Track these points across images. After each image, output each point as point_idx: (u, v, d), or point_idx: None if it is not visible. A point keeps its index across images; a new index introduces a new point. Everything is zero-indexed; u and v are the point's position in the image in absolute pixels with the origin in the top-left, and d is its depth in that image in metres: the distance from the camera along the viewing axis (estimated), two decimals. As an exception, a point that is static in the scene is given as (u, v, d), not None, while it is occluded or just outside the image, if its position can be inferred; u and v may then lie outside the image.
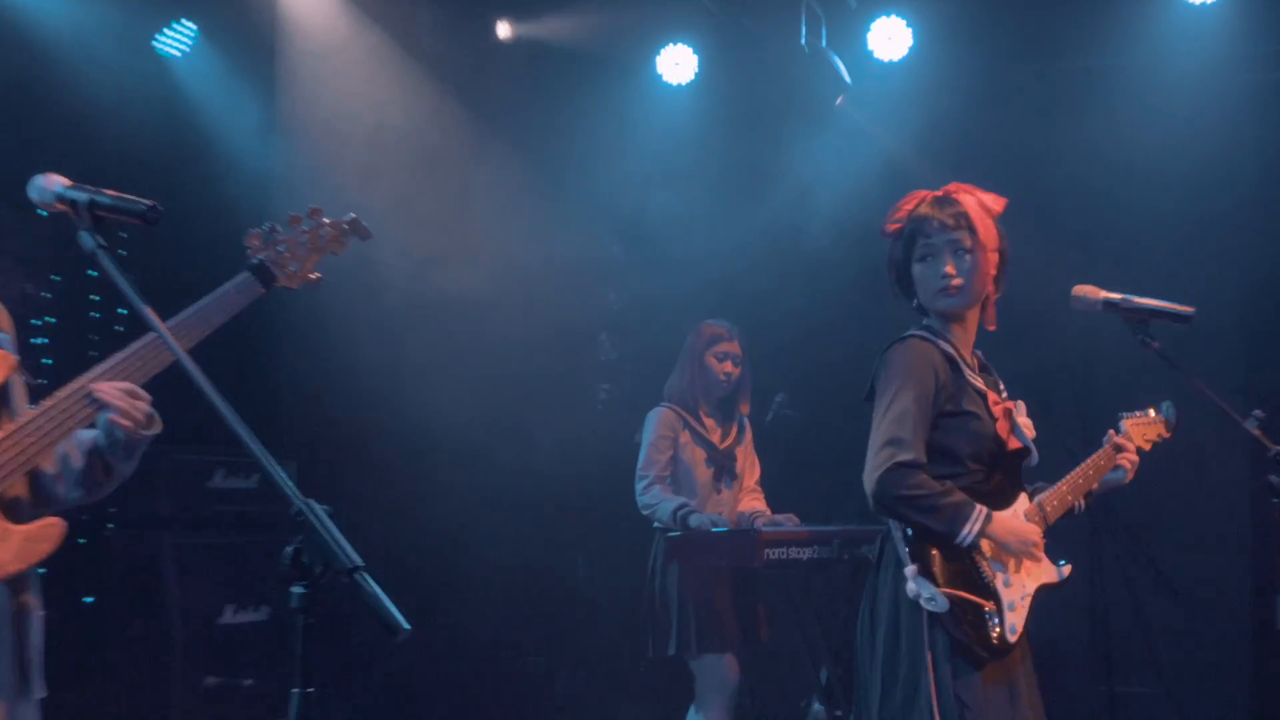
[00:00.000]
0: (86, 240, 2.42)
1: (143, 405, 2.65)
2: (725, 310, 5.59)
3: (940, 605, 3.11)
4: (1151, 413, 3.68)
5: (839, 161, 6.60)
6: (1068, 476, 3.48)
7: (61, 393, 2.60)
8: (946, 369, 3.31)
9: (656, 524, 5.18)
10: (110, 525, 5.67)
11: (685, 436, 5.25)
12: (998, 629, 3.18)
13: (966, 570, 3.19)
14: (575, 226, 6.72)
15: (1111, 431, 3.58)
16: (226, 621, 5.58)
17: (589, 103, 6.75)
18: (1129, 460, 3.54)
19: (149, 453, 2.78)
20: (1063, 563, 3.41)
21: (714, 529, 4.91)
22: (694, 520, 4.95)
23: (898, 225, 3.46)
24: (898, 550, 3.24)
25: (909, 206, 3.45)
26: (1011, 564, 3.28)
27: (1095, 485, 3.53)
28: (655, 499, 5.11)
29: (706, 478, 5.24)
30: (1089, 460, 3.52)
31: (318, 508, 2.11)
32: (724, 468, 5.28)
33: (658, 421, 5.26)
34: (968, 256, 3.35)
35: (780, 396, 5.91)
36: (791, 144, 6.72)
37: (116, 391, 2.61)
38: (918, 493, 3.15)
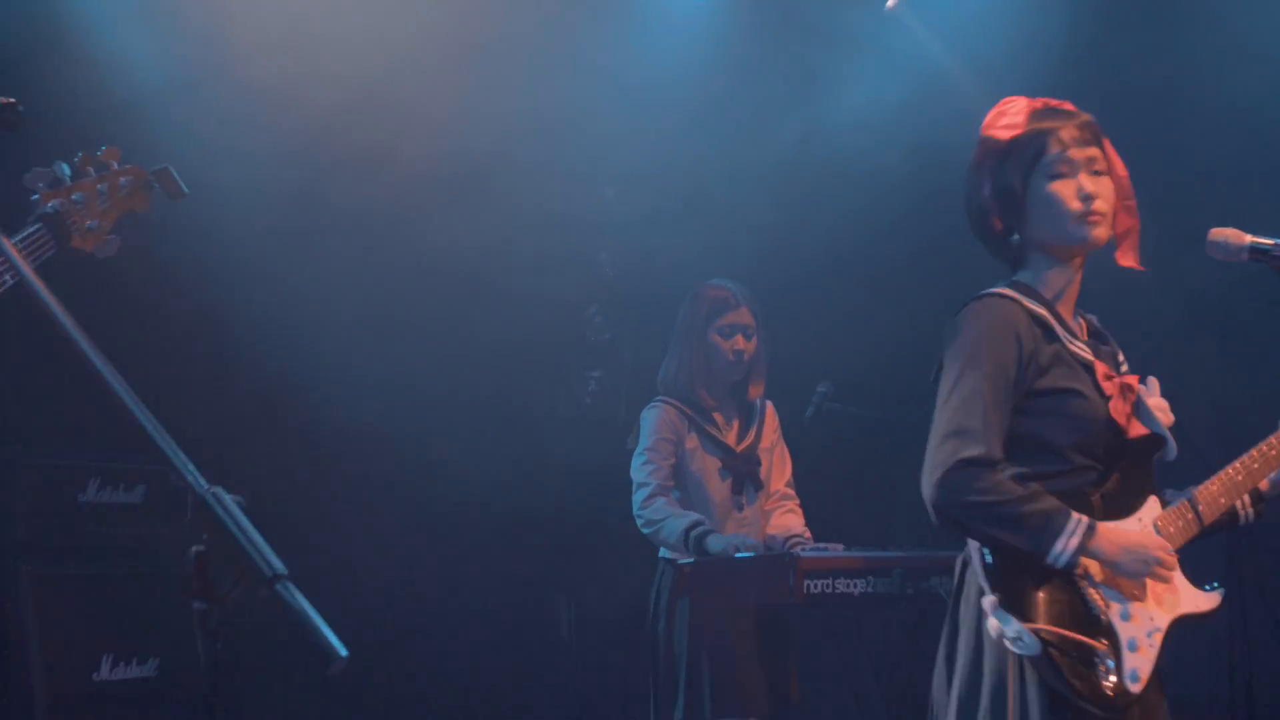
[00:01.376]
0: None
1: None
2: (750, 275, 5.56)
3: (1030, 648, 3.04)
4: None
5: (889, 83, 6.59)
6: (1221, 472, 3.41)
7: None
8: (1035, 334, 3.28)
9: (662, 552, 5.14)
10: (-53, 554, 5.63)
11: (692, 441, 5.21)
12: (1113, 677, 3.11)
13: (1069, 600, 3.14)
14: (557, 167, 6.69)
15: None
16: (104, 678, 5.54)
17: (581, 19, 6.73)
18: None
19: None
20: (1213, 586, 3.36)
21: (742, 554, 4.86)
22: (713, 543, 4.90)
23: (1014, 133, 3.41)
24: (978, 575, 3.19)
25: (1023, 111, 3.41)
26: (1133, 589, 3.22)
27: (1266, 484, 3.46)
28: (660, 514, 5.06)
29: (723, 493, 5.20)
30: (1256, 450, 3.43)
31: (227, 497, 2.07)
32: (745, 476, 5.23)
33: (656, 421, 5.22)
34: (1104, 179, 3.36)
35: (824, 386, 5.88)
36: (828, 63, 6.71)
37: None
38: (989, 499, 3.10)
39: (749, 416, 5.32)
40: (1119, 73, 6.18)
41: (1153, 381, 3.44)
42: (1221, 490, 3.40)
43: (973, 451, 3.12)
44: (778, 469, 5.37)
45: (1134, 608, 3.21)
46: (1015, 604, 3.09)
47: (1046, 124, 3.38)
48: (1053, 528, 3.10)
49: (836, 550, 5.03)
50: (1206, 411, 5.72)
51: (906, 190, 6.40)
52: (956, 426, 3.16)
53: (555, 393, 7.07)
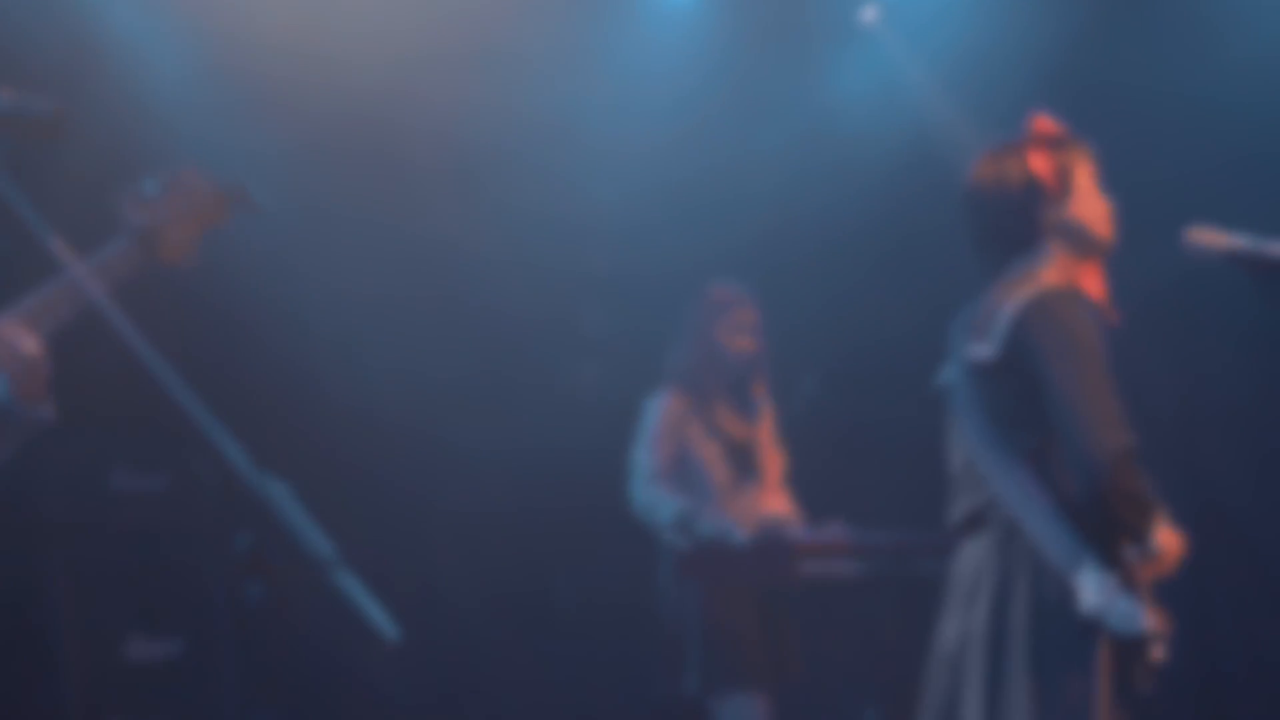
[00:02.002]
0: None
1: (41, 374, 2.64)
2: (741, 272, 5.57)
3: (1137, 626, 3.07)
4: None
5: (875, 89, 6.59)
6: None
7: None
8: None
9: (667, 535, 5.16)
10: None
11: (695, 429, 5.22)
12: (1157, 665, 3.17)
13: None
14: (552, 168, 6.69)
15: None
16: (133, 657, 5.54)
17: (573, 16, 6.72)
18: None
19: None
20: None
21: (734, 539, 4.89)
22: (700, 527, 4.93)
23: (1067, 134, 3.46)
24: (1047, 550, 3.17)
25: (1055, 130, 3.45)
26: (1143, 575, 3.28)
27: None
28: (653, 497, 5.08)
29: (724, 477, 5.22)
30: None
31: (277, 485, 2.08)
32: (744, 464, 5.26)
33: (660, 408, 5.24)
34: None
35: (811, 379, 5.89)
36: (815, 69, 6.72)
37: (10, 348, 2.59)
38: (1140, 487, 3.16)
39: (749, 411, 5.35)
40: (1093, 73, 6.18)
41: None
42: None
43: (1131, 442, 3.16)
44: (773, 462, 5.40)
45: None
46: (1131, 583, 3.13)
47: (1074, 140, 3.48)
48: (1150, 518, 3.18)
49: (834, 529, 5.05)
50: (1170, 401, 5.74)
51: (898, 188, 6.40)
52: (1110, 414, 3.16)
53: (552, 386, 7.05)
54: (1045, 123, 3.47)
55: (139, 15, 5.93)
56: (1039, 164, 3.38)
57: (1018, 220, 3.40)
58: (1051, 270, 3.39)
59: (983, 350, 3.33)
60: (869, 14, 6.85)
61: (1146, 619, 3.08)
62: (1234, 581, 6.10)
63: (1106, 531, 3.15)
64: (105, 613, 5.50)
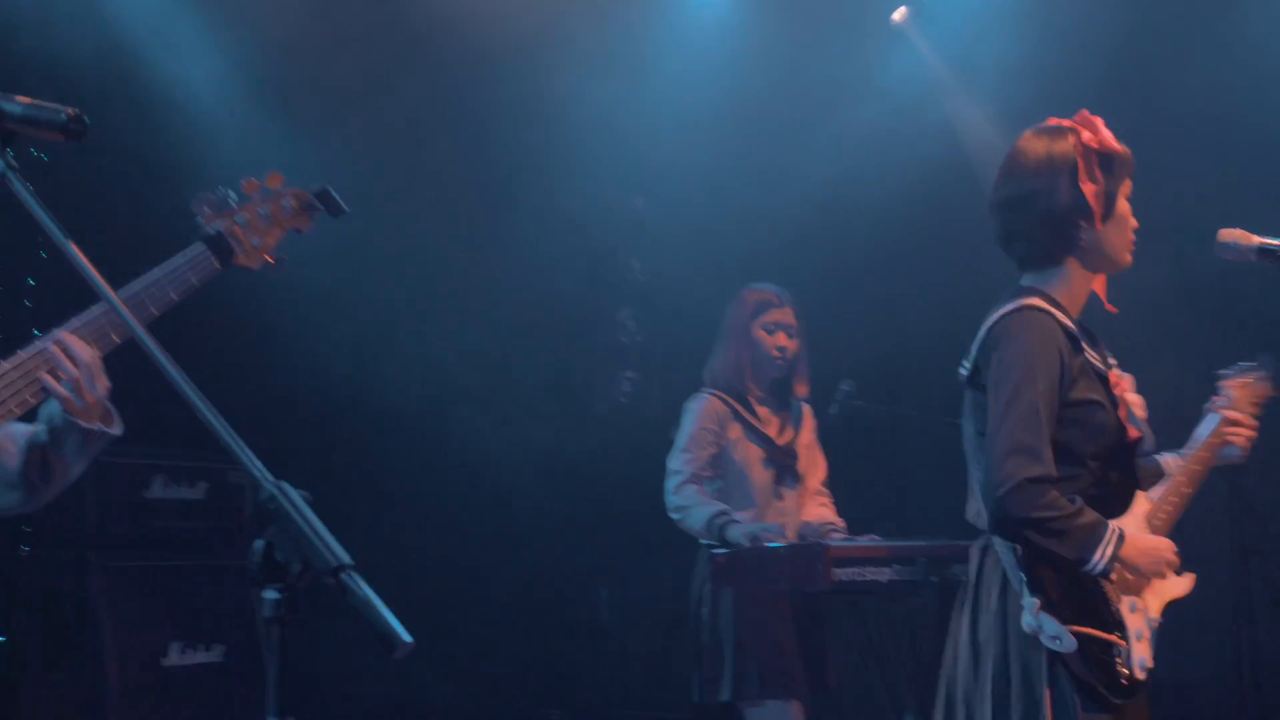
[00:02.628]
0: None
1: (99, 386, 2.65)
2: (776, 278, 5.54)
3: (1068, 645, 3.12)
4: (1251, 367, 3.65)
5: (910, 91, 6.56)
6: (1186, 466, 3.48)
7: (8, 364, 2.58)
8: (1068, 348, 3.28)
9: (702, 540, 5.13)
10: (25, 547, 5.65)
11: (736, 431, 5.18)
12: (1127, 667, 3.19)
13: (1092, 599, 3.19)
14: (589, 177, 6.69)
15: (1215, 399, 3.57)
16: (172, 663, 5.56)
17: (606, 23, 6.72)
18: (1243, 434, 3.53)
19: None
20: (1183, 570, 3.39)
21: (769, 544, 4.85)
22: (733, 532, 4.90)
23: (1120, 147, 3.36)
24: (1008, 572, 3.24)
25: (1111, 146, 3.35)
26: (1137, 585, 3.28)
27: (1208, 469, 3.52)
28: (688, 501, 5.05)
29: (765, 481, 5.18)
30: (1202, 441, 3.51)
31: (294, 493, 2.06)
32: (785, 468, 5.22)
33: (700, 411, 5.20)
34: None
35: (846, 384, 5.86)
36: (852, 72, 6.69)
37: (75, 367, 2.60)
38: (1048, 514, 3.12)
39: (790, 413, 5.31)
40: (1129, 74, 6.12)
41: (1128, 378, 3.44)
42: (1188, 482, 3.47)
43: (1035, 471, 3.12)
44: (813, 467, 5.36)
45: (1136, 602, 3.27)
46: (1055, 606, 3.15)
47: (1122, 146, 3.37)
48: (1093, 539, 3.14)
49: (868, 541, 5.01)
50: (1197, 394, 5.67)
51: (932, 193, 6.37)
52: (1018, 443, 3.14)
53: (592, 392, 7.06)
54: (1103, 135, 3.35)
55: (169, 26, 5.98)
56: (1089, 186, 3.30)
57: (1052, 236, 3.34)
58: (1058, 287, 3.36)
59: (964, 366, 3.38)
60: (899, 15, 6.83)
61: (1072, 637, 3.10)
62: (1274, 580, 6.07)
63: (1040, 553, 3.16)
64: (144, 620, 5.53)
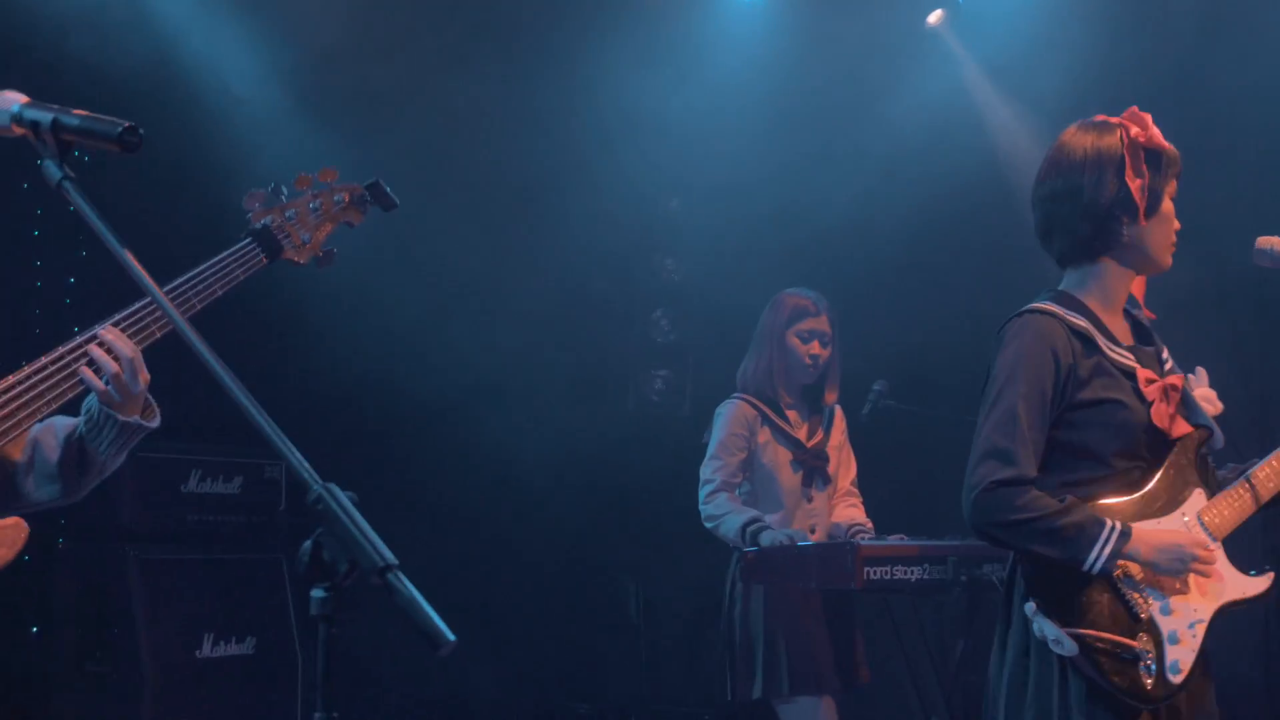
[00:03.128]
0: (52, 171, 2.34)
1: (140, 380, 2.68)
2: (810, 279, 5.56)
3: (1068, 649, 3.07)
4: None
5: (945, 95, 6.55)
6: (1275, 455, 3.38)
7: (46, 358, 2.61)
8: (1074, 349, 3.24)
9: (732, 544, 5.16)
10: (61, 539, 5.70)
11: (765, 434, 5.21)
12: (1153, 671, 3.11)
13: (1109, 601, 3.13)
14: (623, 177, 6.71)
15: None
16: (205, 655, 5.61)
17: (642, 24, 6.74)
18: None
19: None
20: (1262, 570, 3.32)
21: (800, 544, 4.88)
22: (766, 538, 4.92)
23: (1168, 144, 3.33)
24: (1019, 578, 3.22)
25: (1160, 143, 3.32)
26: (1174, 584, 3.20)
27: None
28: (721, 509, 5.08)
29: (794, 483, 5.20)
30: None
31: (341, 495, 2.10)
32: (814, 470, 5.24)
33: (730, 416, 5.23)
34: None
35: (880, 384, 5.88)
36: (886, 75, 6.69)
37: (112, 355, 2.63)
38: (1026, 515, 3.09)
39: (820, 417, 5.33)
40: (1160, 80, 6.09)
41: (1201, 372, 3.42)
42: (1274, 474, 3.37)
43: (1006, 473, 3.11)
44: (844, 468, 5.38)
45: (1175, 602, 3.19)
46: (1053, 608, 3.11)
47: (1169, 145, 3.34)
48: (1086, 538, 3.09)
49: (897, 540, 5.03)
50: (1242, 396, 5.65)
51: (966, 195, 6.37)
52: (991, 447, 3.15)
53: (624, 392, 7.08)
54: (1152, 131, 3.32)
55: (214, 30, 6.03)
56: (1135, 181, 3.27)
57: (1094, 230, 3.30)
58: (1092, 287, 3.34)
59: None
60: (935, 17, 6.83)
61: (1071, 640, 3.06)
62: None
63: (1040, 556, 3.13)
64: (179, 613, 5.58)
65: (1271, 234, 3.45)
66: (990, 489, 3.10)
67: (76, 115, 2.38)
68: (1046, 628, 3.08)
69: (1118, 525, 3.12)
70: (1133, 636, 3.11)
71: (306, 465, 2.13)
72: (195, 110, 5.93)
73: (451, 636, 1.98)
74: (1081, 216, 3.29)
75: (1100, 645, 3.07)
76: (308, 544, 2.07)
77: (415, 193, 6.19)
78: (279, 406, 2.36)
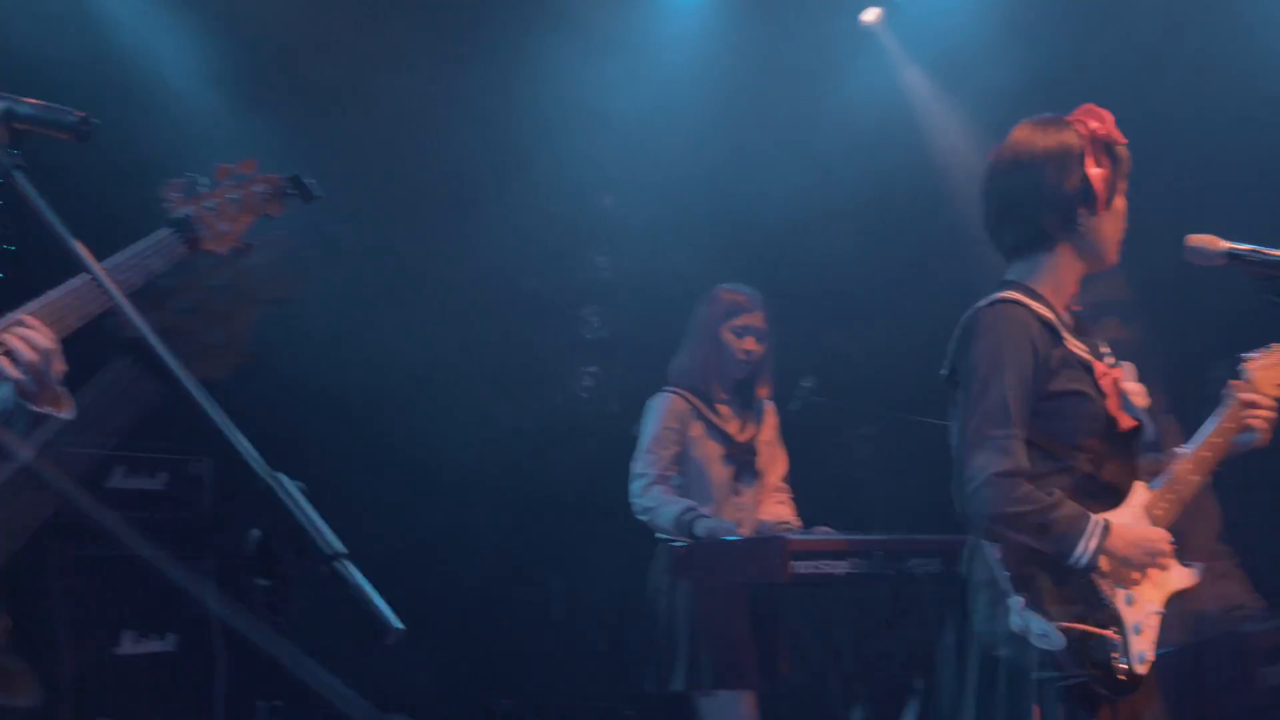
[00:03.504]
0: (2, 159, 2.35)
1: (55, 371, 2.64)
2: (741, 275, 5.58)
3: (1056, 642, 3.09)
4: (1276, 348, 3.56)
5: (880, 92, 6.60)
6: (1194, 453, 3.42)
7: None
8: (1045, 339, 3.28)
9: (659, 533, 5.17)
10: (-21, 535, 5.61)
11: (697, 429, 5.23)
12: (1124, 662, 3.16)
13: (1082, 593, 3.18)
14: (559, 173, 6.70)
15: (1233, 383, 3.49)
16: (125, 652, 5.53)
17: (583, 22, 6.73)
18: (1263, 416, 3.45)
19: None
20: (1190, 563, 3.38)
21: (729, 537, 4.90)
22: (701, 527, 4.95)
23: (1122, 141, 3.39)
24: (995, 571, 3.21)
25: (1117, 136, 3.38)
26: (1134, 576, 3.25)
27: (1223, 455, 3.46)
28: (655, 502, 5.11)
29: (724, 477, 5.23)
30: (1214, 427, 3.45)
31: (289, 483, 2.09)
32: (744, 464, 5.27)
33: (663, 410, 5.24)
34: None
35: (808, 380, 5.90)
36: (828, 73, 6.73)
37: (29, 345, 2.59)
38: (1023, 509, 3.13)
39: (751, 412, 5.35)
40: (1093, 77, 6.16)
41: (1128, 366, 3.46)
42: (1195, 468, 3.42)
43: (1004, 465, 3.14)
44: (774, 463, 5.41)
45: (1135, 593, 3.24)
46: (1039, 603, 3.13)
47: (1122, 143, 3.40)
48: (1075, 532, 3.14)
49: (825, 534, 5.06)
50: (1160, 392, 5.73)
51: (902, 193, 6.42)
52: (986, 439, 3.17)
53: (552, 387, 7.07)
54: (1110, 124, 3.39)
55: (152, 23, 5.97)
56: (1097, 171, 3.34)
57: (1055, 219, 3.36)
58: (1044, 277, 3.37)
59: (945, 367, 3.39)
60: (870, 15, 6.86)
61: (1060, 634, 3.08)
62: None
63: (1024, 550, 3.16)
64: (99, 611, 5.50)
65: (1200, 232, 3.49)
66: (990, 481, 3.13)
67: (30, 104, 2.40)
68: (1034, 623, 3.09)
69: (1101, 520, 3.18)
70: (1106, 627, 3.16)
71: (255, 454, 2.12)
72: (130, 102, 5.84)
73: (399, 625, 1.99)
74: (1043, 205, 3.34)
75: (1085, 638, 3.12)
76: (255, 532, 2.06)
77: (349, 186, 6.21)
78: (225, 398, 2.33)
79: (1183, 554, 3.34)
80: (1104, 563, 3.20)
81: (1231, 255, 3.36)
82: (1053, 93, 4.97)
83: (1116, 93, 5.86)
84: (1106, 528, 3.18)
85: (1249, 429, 3.46)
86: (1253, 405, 3.46)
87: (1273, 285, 3.34)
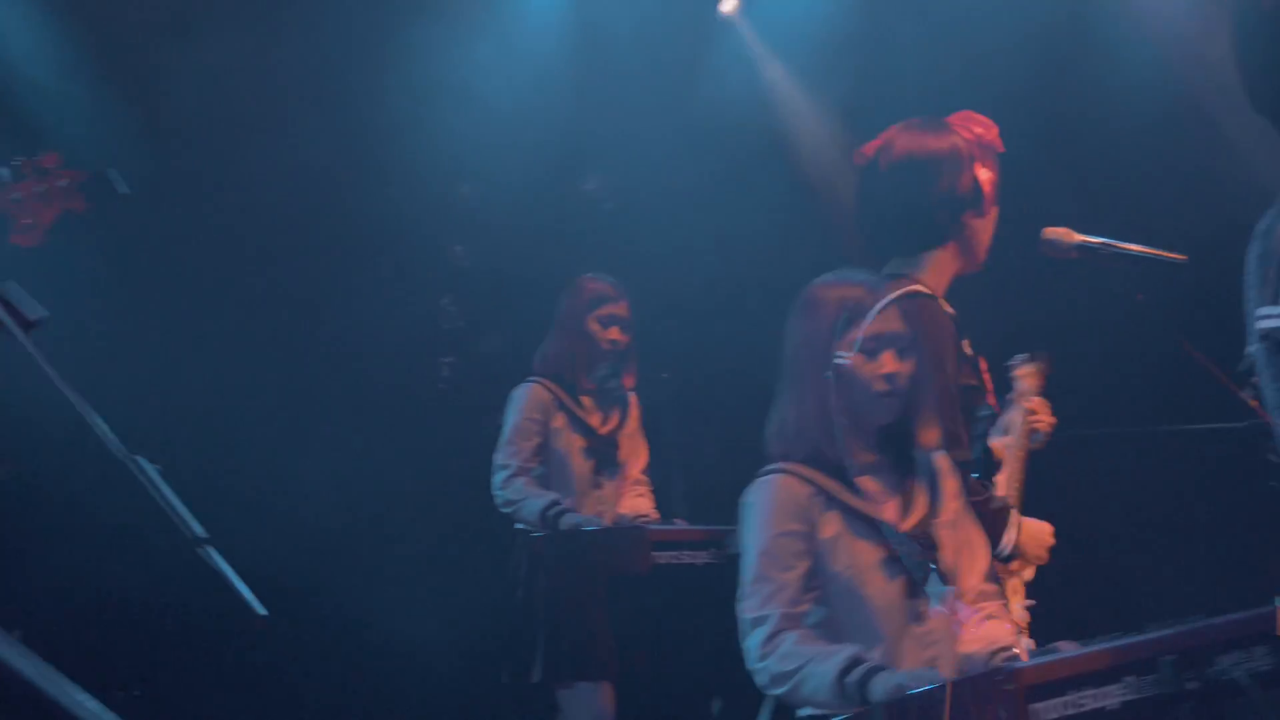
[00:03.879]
0: None
1: None
2: (601, 265, 5.58)
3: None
4: (1030, 357, 3.75)
5: (738, 82, 6.64)
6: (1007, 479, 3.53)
7: None
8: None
9: (519, 525, 5.15)
10: None
11: (559, 420, 5.22)
12: None
13: None
14: (408, 160, 6.63)
15: (1012, 393, 3.65)
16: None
17: (447, 9, 6.67)
18: (1044, 420, 3.62)
19: None
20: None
21: (588, 528, 4.90)
22: (566, 521, 4.94)
23: (999, 149, 3.47)
24: None
25: (998, 144, 3.47)
26: None
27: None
28: (519, 494, 5.08)
29: (585, 470, 5.23)
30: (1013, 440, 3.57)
31: (148, 466, 2.04)
32: (605, 457, 5.27)
33: (526, 400, 5.22)
34: None
35: (666, 375, 5.93)
36: (680, 64, 6.74)
37: None
38: None
39: (615, 404, 5.35)
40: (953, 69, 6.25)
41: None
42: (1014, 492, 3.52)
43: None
44: (635, 456, 5.42)
45: None
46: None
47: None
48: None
49: (680, 525, 5.10)
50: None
51: (760, 181, 6.45)
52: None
53: (407, 380, 6.99)
54: (994, 131, 3.48)
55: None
56: (984, 174, 3.43)
57: (946, 219, 3.42)
58: (929, 274, 3.43)
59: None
60: (728, 5, 6.89)
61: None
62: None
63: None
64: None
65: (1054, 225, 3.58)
66: None
67: None
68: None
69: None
70: None
71: (112, 435, 2.07)
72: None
73: (262, 610, 1.96)
74: (936, 204, 3.39)
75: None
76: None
77: (196, 174, 6.09)
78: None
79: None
80: None
81: (1084, 248, 3.47)
82: (903, 85, 5.03)
83: (973, 85, 6.02)
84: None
85: (1035, 431, 3.61)
86: (1033, 411, 3.61)
87: (1124, 278, 3.46)
